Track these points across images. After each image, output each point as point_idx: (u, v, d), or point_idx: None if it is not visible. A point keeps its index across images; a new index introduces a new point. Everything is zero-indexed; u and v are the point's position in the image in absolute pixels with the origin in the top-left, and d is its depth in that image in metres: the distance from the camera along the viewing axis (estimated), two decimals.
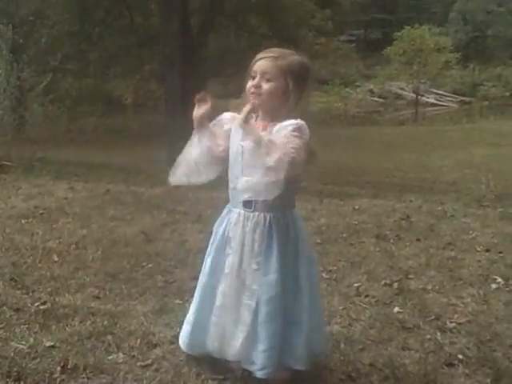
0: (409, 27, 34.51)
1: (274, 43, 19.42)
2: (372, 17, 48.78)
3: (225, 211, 2.48)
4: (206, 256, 2.52)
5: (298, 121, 2.29)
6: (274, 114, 2.35)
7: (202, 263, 2.54)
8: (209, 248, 2.51)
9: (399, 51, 34.26)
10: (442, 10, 48.29)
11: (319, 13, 21.37)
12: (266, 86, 2.32)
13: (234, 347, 2.38)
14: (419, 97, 35.06)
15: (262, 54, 2.37)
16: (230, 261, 2.38)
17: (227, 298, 2.39)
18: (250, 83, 2.36)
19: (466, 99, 38.58)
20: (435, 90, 38.83)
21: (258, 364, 2.34)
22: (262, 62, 2.34)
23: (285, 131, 2.24)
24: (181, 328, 2.59)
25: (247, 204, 2.37)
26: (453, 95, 39.46)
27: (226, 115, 2.48)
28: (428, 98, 37.94)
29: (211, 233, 2.54)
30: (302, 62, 2.39)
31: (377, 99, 38.87)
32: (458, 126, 25.96)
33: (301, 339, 2.39)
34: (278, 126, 2.28)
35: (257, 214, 2.35)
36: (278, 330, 2.34)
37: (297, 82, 2.33)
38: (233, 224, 2.40)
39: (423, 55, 33.67)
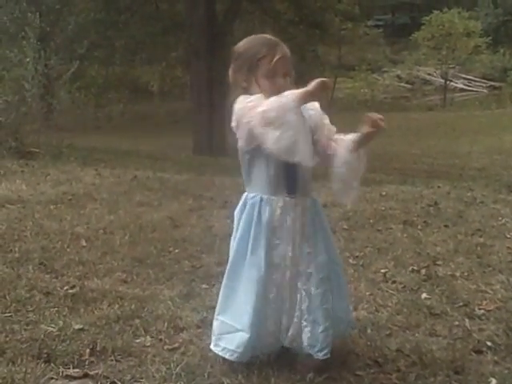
0: (437, 11, 33.96)
1: (300, 29, 19.31)
2: (399, 1, 47.97)
3: (255, 200, 2.34)
4: (249, 251, 2.33)
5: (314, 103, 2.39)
6: None
7: (235, 256, 2.38)
8: (251, 242, 2.33)
9: (427, 36, 33.77)
10: None
11: None
12: (288, 83, 2.30)
13: (292, 334, 2.39)
14: (448, 82, 34.56)
15: (273, 52, 2.27)
16: (282, 251, 2.33)
17: (283, 288, 2.35)
18: (269, 82, 2.27)
19: (496, 84, 37.91)
20: (464, 75, 38.24)
21: (318, 346, 2.34)
22: (283, 61, 2.28)
23: (316, 112, 2.36)
24: (208, 314, 2.56)
25: (291, 190, 2.33)
26: (482, 80, 38.80)
27: None
28: (457, 83, 37.40)
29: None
30: None
31: (404, 85, 38.41)
32: (487, 111, 25.56)
33: (347, 311, 2.56)
34: None
35: (300, 198, 2.35)
36: (331, 309, 2.37)
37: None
38: (279, 213, 2.32)
39: (452, 40, 33.14)
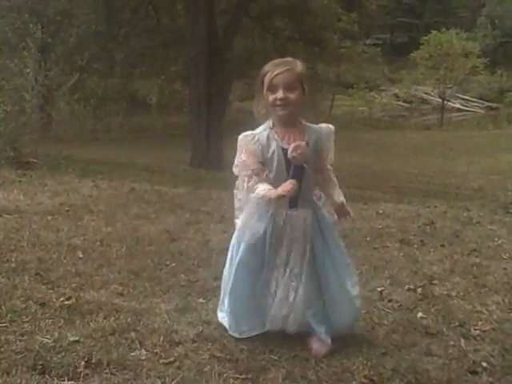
0: (436, 31, 34.23)
1: (299, 46, 19.43)
2: (398, 21, 48.43)
3: None
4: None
5: (330, 125, 2.71)
6: (297, 120, 2.66)
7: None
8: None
9: (425, 55, 34.01)
10: (470, 14, 47.85)
11: (345, 16, 21.34)
12: (292, 96, 2.56)
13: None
14: (445, 102, 34.75)
15: (275, 68, 2.55)
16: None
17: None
18: (272, 96, 2.57)
19: (493, 105, 38.15)
20: (461, 96, 38.47)
21: None
22: (283, 75, 2.55)
23: (328, 142, 2.68)
24: (204, 328, 2.57)
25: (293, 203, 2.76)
26: (479, 101, 39.04)
27: None
28: (454, 103, 37.61)
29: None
30: (304, 65, 2.65)
31: (402, 104, 38.62)
32: (484, 132, 25.69)
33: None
34: (313, 134, 2.65)
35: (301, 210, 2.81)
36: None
37: (306, 85, 2.63)
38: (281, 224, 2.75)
39: (450, 60, 33.36)
